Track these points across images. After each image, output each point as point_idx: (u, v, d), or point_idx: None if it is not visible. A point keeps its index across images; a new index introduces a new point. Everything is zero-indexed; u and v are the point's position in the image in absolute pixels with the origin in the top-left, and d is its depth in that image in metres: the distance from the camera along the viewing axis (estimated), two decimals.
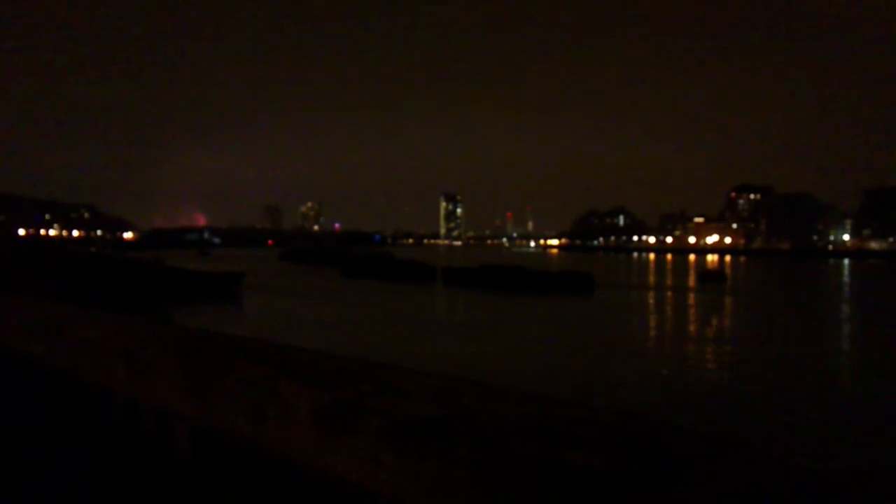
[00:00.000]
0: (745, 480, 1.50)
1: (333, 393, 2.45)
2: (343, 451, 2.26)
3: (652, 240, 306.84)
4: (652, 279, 72.41)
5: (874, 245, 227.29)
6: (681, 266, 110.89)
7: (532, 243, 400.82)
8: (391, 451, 2.09)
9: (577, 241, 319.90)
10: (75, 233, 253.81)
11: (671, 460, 1.65)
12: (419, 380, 2.57)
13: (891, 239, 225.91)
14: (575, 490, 1.64)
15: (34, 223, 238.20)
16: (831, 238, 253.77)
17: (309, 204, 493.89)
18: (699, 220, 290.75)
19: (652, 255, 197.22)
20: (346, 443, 2.26)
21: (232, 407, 2.79)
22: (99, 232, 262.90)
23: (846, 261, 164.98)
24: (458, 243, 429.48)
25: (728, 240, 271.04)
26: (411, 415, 2.16)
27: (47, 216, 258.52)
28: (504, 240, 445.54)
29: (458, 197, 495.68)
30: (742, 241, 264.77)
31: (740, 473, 1.52)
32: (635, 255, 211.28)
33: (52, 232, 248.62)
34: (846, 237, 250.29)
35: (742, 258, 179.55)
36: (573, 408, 2.29)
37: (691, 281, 66.31)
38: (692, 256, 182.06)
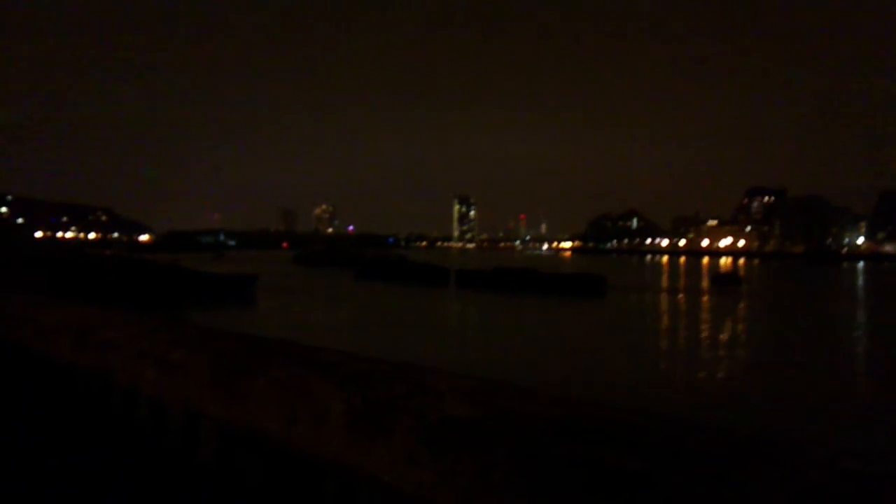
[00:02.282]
0: (791, 482, 1.48)
1: (366, 394, 2.45)
2: (376, 452, 2.27)
3: (665, 242, 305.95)
4: (665, 282, 72.11)
5: (889, 248, 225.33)
6: (694, 269, 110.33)
7: (545, 246, 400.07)
8: (426, 453, 2.09)
9: (590, 244, 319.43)
10: (92, 235, 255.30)
11: (712, 462, 1.64)
12: (451, 381, 2.57)
13: None
14: (614, 491, 1.64)
15: (51, 225, 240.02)
16: (845, 241, 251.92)
17: (323, 206, 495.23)
18: (712, 222, 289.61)
19: (665, 258, 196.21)
20: (379, 444, 2.27)
21: (263, 408, 2.80)
22: (115, 234, 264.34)
23: (860, 264, 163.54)
24: (472, 246, 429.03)
25: (741, 243, 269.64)
26: (446, 416, 2.16)
27: (64, 218, 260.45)
28: (517, 242, 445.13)
29: (472, 199, 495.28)
30: (755, 244, 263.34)
31: (785, 475, 1.50)
32: (648, 257, 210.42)
33: (68, 234, 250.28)
34: (860, 240, 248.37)
35: (755, 261, 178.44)
36: (606, 409, 2.29)
37: (705, 284, 65.96)
38: (705, 259, 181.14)
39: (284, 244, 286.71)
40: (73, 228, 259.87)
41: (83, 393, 4.35)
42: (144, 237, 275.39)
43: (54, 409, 4.59)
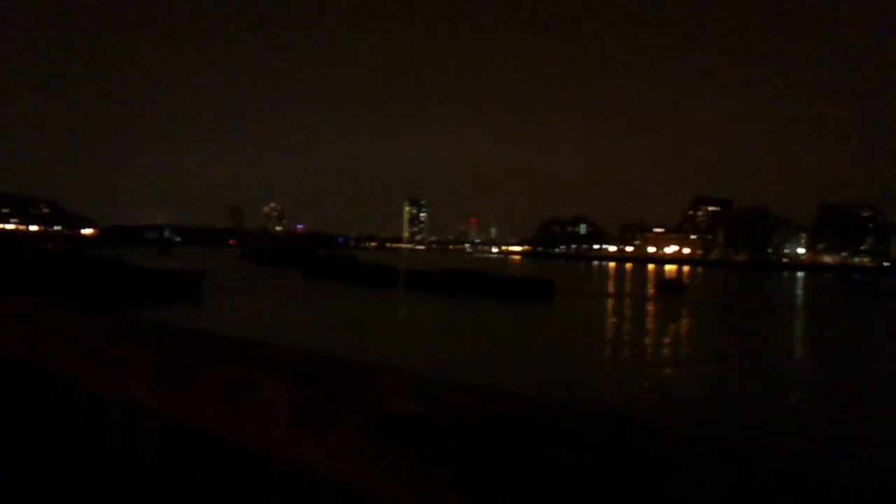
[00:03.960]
0: (726, 481, 1.50)
1: (311, 389, 2.44)
2: (321, 448, 2.26)
3: (612, 249, 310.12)
4: (612, 287, 73.15)
5: (827, 259, 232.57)
6: (640, 275, 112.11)
7: (494, 249, 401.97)
8: (370, 448, 2.09)
9: (539, 249, 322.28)
10: (33, 227, 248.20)
11: (657, 461, 1.68)
12: (398, 378, 2.58)
13: (844, 253, 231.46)
14: (557, 487, 1.66)
15: None
16: (786, 251, 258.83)
17: (272, 204, 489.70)
18: (658, 230, 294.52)
19: (612, 264, 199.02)
20: (324, 439, 2.26)
21: (205, 403, 2.77)
22: (58, 227, 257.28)
23: (800, 274, 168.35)
24: (422, 248, 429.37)
25: (686, 250, 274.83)
26: (390, 412, 2.17)
27: (5, 209, 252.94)
28: (467, 245, 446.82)
29: (423, 202, 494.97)
30: (700, 252, 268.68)
31: (726, 475, 1.51)
32: (596, 263, 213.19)
33: (9, 226, 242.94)
34: (801, 250, 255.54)
35: (699, 269, 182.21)
36: (549, 406, 2.31)
37: (650, 290, 67.10)
38: (651, 266, 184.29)
39: (232, 241, 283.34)
40: (13, 220, 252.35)
41: (20, 387, 4.25)
42: (88, 231, 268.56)
43: None
